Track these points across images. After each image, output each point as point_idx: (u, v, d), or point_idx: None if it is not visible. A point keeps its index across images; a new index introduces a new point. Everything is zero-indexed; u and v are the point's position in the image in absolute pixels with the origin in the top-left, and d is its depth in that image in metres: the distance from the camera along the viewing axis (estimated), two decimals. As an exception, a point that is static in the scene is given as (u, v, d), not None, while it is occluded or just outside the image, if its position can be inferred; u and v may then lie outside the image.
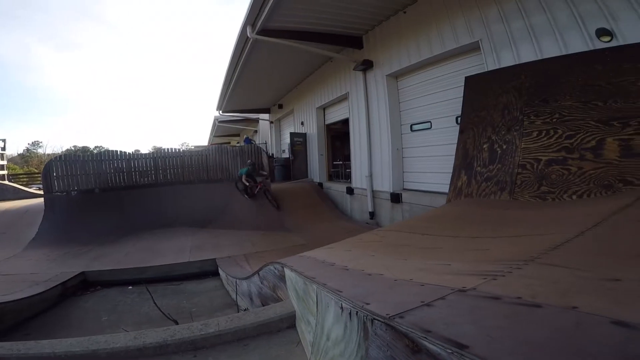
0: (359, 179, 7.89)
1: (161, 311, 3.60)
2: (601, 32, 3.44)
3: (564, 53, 3.66)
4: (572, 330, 0.79)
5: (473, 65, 4.89)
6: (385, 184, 6.86)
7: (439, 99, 5.66)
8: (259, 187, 8.45)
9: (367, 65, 7.03)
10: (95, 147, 49.20)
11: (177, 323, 2.93)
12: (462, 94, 4.42)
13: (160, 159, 9.10)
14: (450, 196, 3.91)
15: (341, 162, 9.99)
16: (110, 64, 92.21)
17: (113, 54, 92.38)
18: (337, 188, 9.15)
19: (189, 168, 9.19)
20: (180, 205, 8.49)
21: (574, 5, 3.63)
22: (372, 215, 7.28)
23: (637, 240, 1.59)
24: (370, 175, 7.27)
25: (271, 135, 15.76)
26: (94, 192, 8.31)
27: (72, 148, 46.91)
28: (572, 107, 3.25)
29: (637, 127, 2.82)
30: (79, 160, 8.52)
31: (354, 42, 7.29)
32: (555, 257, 1.42)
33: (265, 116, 16.11)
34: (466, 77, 4.46)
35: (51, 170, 8.06)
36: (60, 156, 9.01)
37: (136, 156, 9.15)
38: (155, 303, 3.78)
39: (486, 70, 4.45)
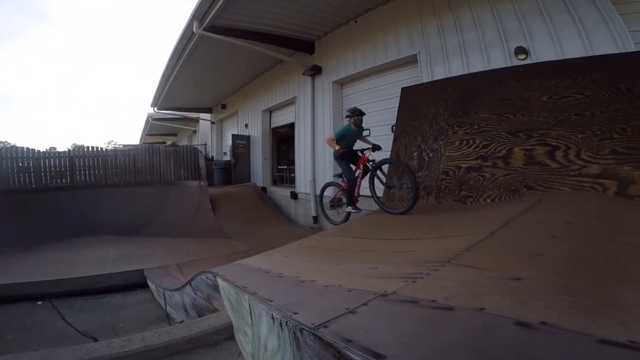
0: (303, 183, 7.92)
1: (74, 328, 3.20)
2: (519, 50, 3.85)
3: (487, 68, 4.06)
4: (480, 332, 0.85)
5: (410, 77, 5.21)
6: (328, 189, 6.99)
7: (378, 108, 5.94)
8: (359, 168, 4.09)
9: (316, 71, 7.12)
10: (-3, 142, 42.13)
11: (96, 340, 2.64)
12: (398, 104, 4.70)
13: (78, 159, 8.03)
14: (384, 200, 4.12)
15: (286, 167, 9.92)
16: (28, 54, 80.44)
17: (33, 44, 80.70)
18: (281, 192, 9.07)
19: (113, 169, 8.27)
20: (102, 211, 7.60)
21: (501, 23, 4.03)
22: (316, 219, 7.36)
23: (536, 239, 1.82)
24: (314, 180, 7.35)
25: (212, 137, 15.07)
26: (-9, 196, 7.06)
27: (-36, 144, 39.50)
28: (488, 119, 3.67)
29: (538, 138, 3.28)
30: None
31: (306, 46, 7.32)
32: (468, 258, 1.56)
33: (207, 116, 15.36)
34: (402, 88, 4.78)
35: None
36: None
37: (47, 155, 7.94)
38: (64, 319, 3.34)
39: (421, 82, 4.78)
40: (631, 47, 3.23)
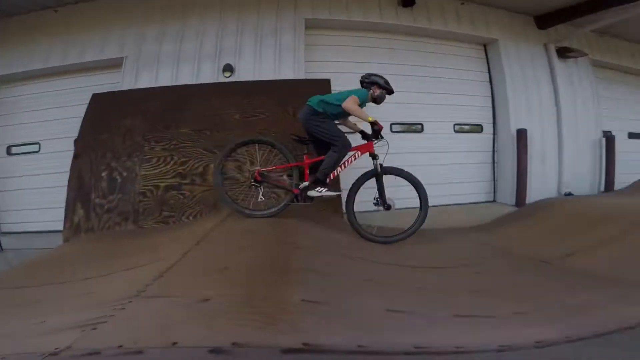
0: None
1: None
2: (226, 68, 4.06)
3: (195, 82, 4.06)
4: None
5: (108, 83, 4.41)
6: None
7: (56, 116, 4.59)
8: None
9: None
10: None
11: None
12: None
13: None
14: (67, 234, 3.29)
15: None
16: None
17: None
18: None
19: None
20: None
21: (220, 39, 4.14)
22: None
23: (222, 252, 1.96)
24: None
25: None
26: None
27: None
28: (188, 134, 3.68)
29: (230, 154, 3.60)
30: None
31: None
32: (159, 287, 1.48)
33: None
34: (94, 95, 4.02)
35: None
36: None
37: None
38: None
39: (120, 89, 4.17)
40: (303, 75, 4.11)
